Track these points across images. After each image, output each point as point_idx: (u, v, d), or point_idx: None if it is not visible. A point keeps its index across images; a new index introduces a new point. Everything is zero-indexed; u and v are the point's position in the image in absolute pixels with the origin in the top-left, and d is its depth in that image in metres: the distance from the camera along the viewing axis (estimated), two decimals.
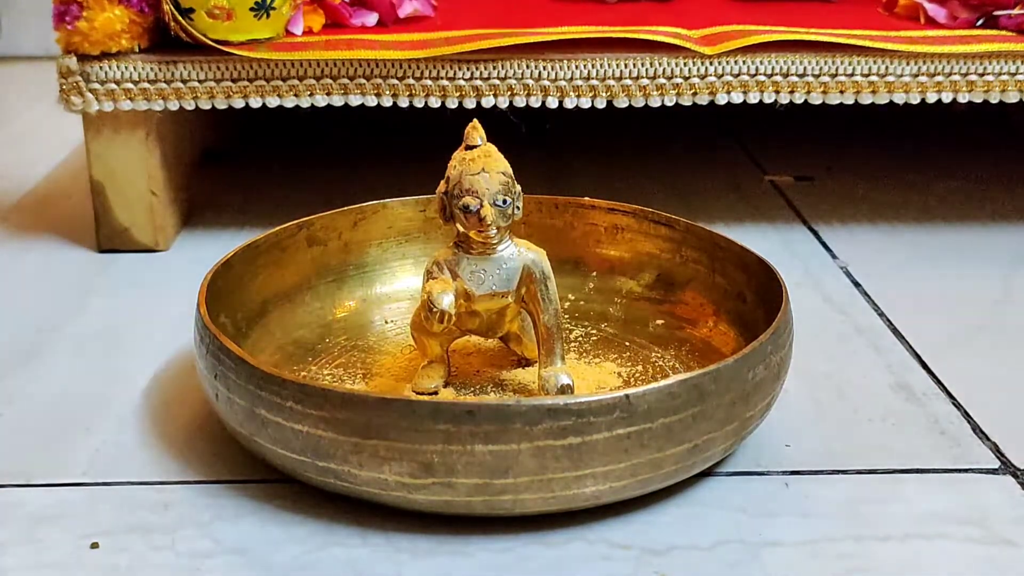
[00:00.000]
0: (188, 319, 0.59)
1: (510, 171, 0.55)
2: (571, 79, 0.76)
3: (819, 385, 0.62)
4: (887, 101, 0.78)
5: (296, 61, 0.75)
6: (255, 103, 0.76)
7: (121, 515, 0.51)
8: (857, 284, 0.76)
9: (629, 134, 1.09)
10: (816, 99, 0.77)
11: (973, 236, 0.84)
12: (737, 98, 0.77)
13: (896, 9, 0.86)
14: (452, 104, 0.77)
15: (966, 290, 0.75)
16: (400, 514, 0.49)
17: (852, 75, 0.77)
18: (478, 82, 0.76)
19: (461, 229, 0.56)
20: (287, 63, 0.75)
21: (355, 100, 0.76)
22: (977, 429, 0.58)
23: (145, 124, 0.78)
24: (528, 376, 0.60)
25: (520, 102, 0.77)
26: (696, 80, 0.76)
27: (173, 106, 0.76)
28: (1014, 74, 0.77)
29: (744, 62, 0.76)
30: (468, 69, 0.76)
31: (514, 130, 0.78)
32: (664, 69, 0.76)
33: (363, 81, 0.76)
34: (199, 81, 0.75)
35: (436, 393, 0.58)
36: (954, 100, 0.78)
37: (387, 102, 0.77)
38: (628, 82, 0.76)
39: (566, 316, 0.66)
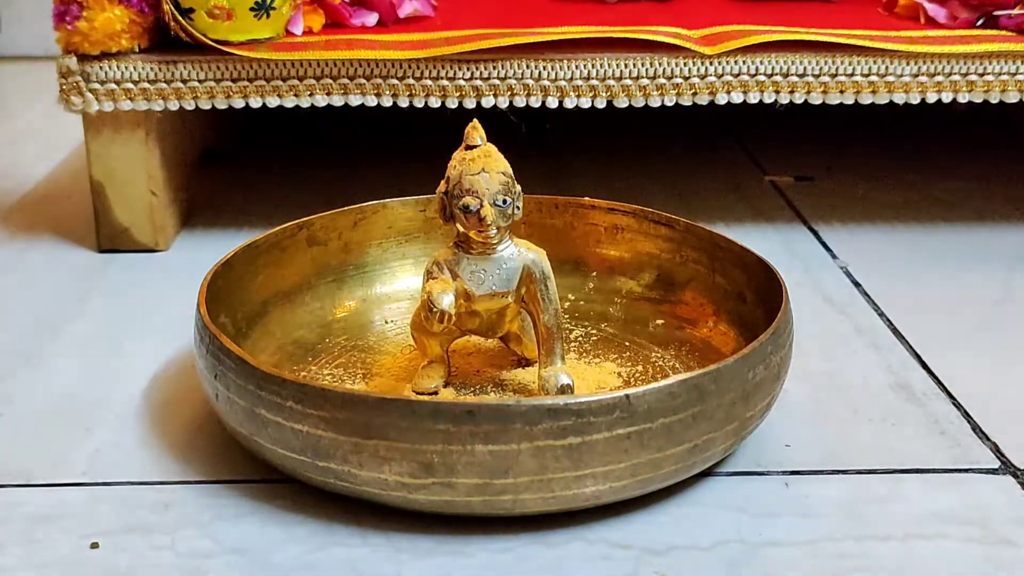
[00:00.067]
0: (188, 319, 0.59)
1: (510, 171, 0.55)
2: (571, 79, 0.76)
3: (819, 385, 0.62)
4: (887, 101, 0.78)
5: (296, 61, 0.75)
6: (255, 103, 0.76)
7: (121, 515, 0.51)
8: (857, 284, 0.76)
9: (629, 134, 1.09)
10: (816, 99, 0.77)
11: (973, 236, 0.84)
12: (737, 98, 0.77)
13: (896, 9, 0.86)
14: (452, 104, 0.77)
15: (966, 290, 0.75)
16: (400, 514, 0.49)
17: (852, 75, 0.77)
18: (478, 82, 0.76)
19: (461, 229, 0.56)
20: (287, 63, 0.75)
21: (355, 100, 0.76)
22: (977, 429, 0.58)
23: (145, 124, 0.78)
24: (528, 376, 0.60)
25: (520, 102, 0.77)
26: (696, 80, 0.76)
27: (173, 106, 0.76)
28: (1014, 74, 0.77)
29: (744, 62, 0.76)
30: (468, 69, 0.76)
31: (514, 130, 0.78)
32: (664, 69, 0.76)
33: (363, 81, 0.76)
34: (199, 81, 0.75)
35: (436, 393, 0.58)
36: (954, 100, 0.78)
37: (387, 102, 0.77)
38: (628, 82, 0.76)
39: (566, 316, 0.66)
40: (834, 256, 0.81)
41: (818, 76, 0.77)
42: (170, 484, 0.53)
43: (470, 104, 0.76)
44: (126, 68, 0.75)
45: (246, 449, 0.54)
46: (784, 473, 0.54)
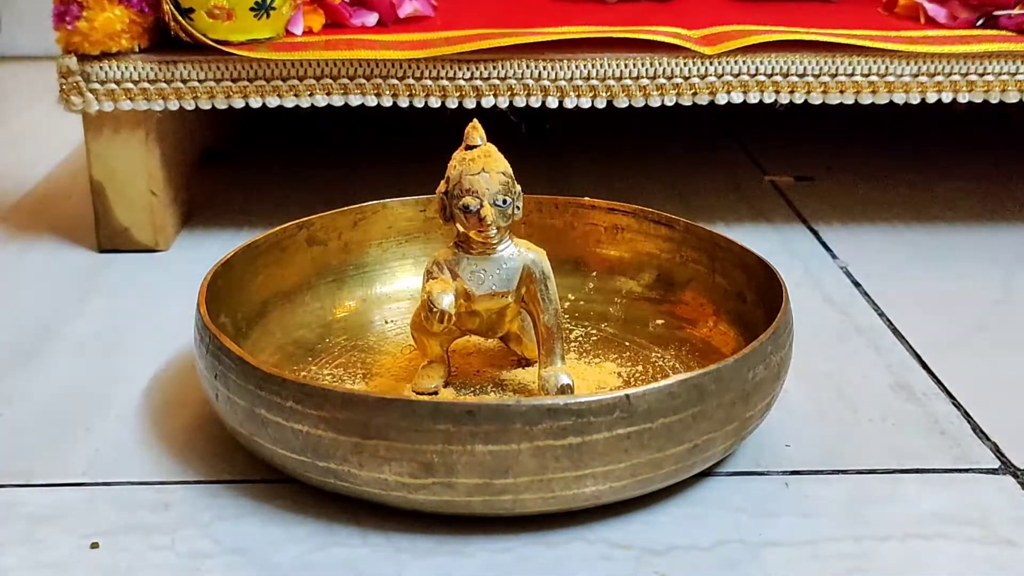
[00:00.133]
0: (188, 319, 0.59)
1: (510, 171, 0.55)
2: (571, 79, 0.76)
3: (819, 385, 0.62)
4: (887, 101, 0.78)
5: (296, 61, 0.75)
6: (255, 103, 0.76)
7: (121, 515, 0.51)
8: (857, 284, 0.76)
9: (629, 134, 1.09)
10: (816, 99, 0.77)
11: (973, 236, 0.84)
12: (737, 98, 0.77)
13: (896, 9, 0.86)
14: (452, 104, 0.77)
15: (966, 290, 0.75)
16: (400, 514, 0.49)
17: (852, 75, 0.77)
18: (478, 82, 0.76)
19: (461, 229, 0.56)
20: (287, 63, 0.75)
21: (355, 100, 0.76)
22: (977, 429, 0.58)
23: (145, 124, 0.78)
24: (528, 376, 0.60)
25: (520, 102, 0.77)
26: (696, 80, 0.76)
27: (173, 106, 0.76)
28: (1014, 74, 0.77)
29: (744, 62, 0.76)
30: (468, 69, 0.76)
31: (514, 130, 0.78)
32: (664, 69, 0.76)
33: (363, 81, 0.76)
34: (199, 81, 0.75)
35: (436, 393, 0.58)
36: (954, 100, 0.78)
37: (387, 102, 0.77)
38: (628, 82, 0.76)
39: (566, 316, 0.66)
40: (834, 256, 0.81)
41: (818, 76, 0.77)
42: (170, 484, 0.53)
43: (470, 104, 0.76)
44: (126, 68, 0.75)
45: (246, 449, 0.54)
46: (784, 473, 0.54)
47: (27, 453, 0.56)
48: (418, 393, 0.57)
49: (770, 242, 0.83)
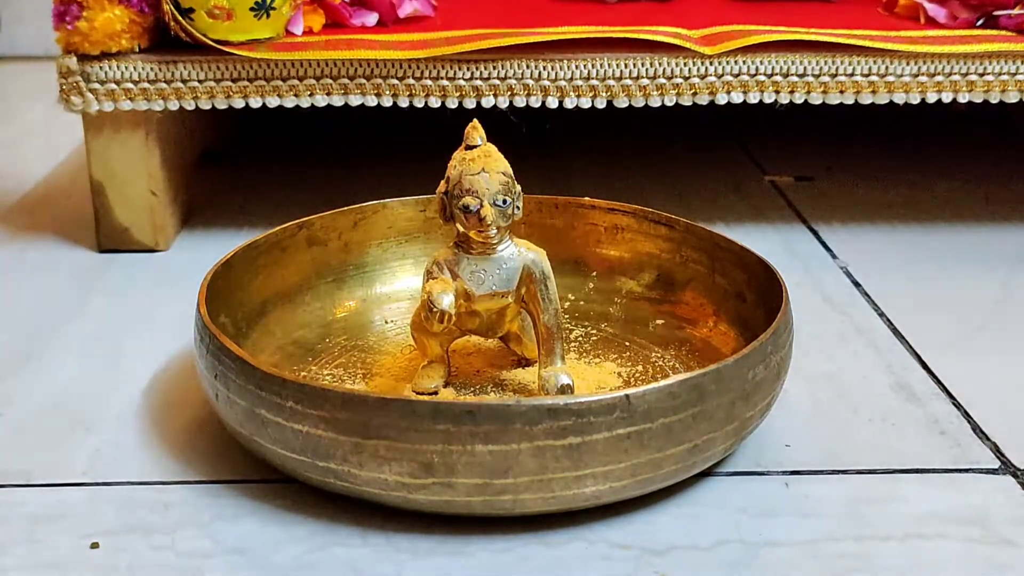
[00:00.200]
0: (188, 319, 0.59)
1: (510, 171, 0.55)
2: (571, 79, 0.76)
3: (819, 385, 0.62)
4: (887, 101, 0.78)
5: (296, 61, 0.75)
6: (255, 103, 0.76)
7: (121, 515, 0.51)
8: (857, 284, 0.76)
9: (629, 134, 1.09)
10: (816, 99, 0.77)
11: (973, 236, 0.84)
12: (737, 98, 0.77)
13: (896, 9, 0.86)
14: (452, 104, 0.77)
15: (966, 290, 0.75)
16: (400, 514, 0.49)
17: (852, 75, 0.77)
18: (478, 82, 0.76)
19: (461, 229, 0.56)
20: (287, 63, 0.75)
21: (355, 100, 0.76)
22: (977, 429, 0.58)
23: (145, 124, 0.78)
24: (528, 376, 0.60)
25: (520, 102, 0.77)
26: (696, 80, 0.76)
27: (173, 106, 0.76)
28: (1014, 74, 0.77)
29: (744, 62, 0.76)
30: (468, 69, 0.76)
31: (514, 130, 0.78)
32: (664, 69, 0.76)
33: (363, 81, 0.76)
34: (199, 81, 0.75)
35: (436, 393, 0.58)
36: (954, 100, 0.78)
37: (387, 102, 0.77)
38: (628, 82, 0.76)
39: (566, 316, 0.66)
40: (834, 256, 0.81)
41: (818, 76, 0.77)
42: (170, 484, 0.53)
43: (470, 104, 0.76)
44: (126, 68, 0.75)
45: (246, 449, 0.54)
46: (784, 473, 0.54)
47: (27, 453, 0.56)
48: (418, 393, 0.57)
49: (770, 242, 0.83)
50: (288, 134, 1.10)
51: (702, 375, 0.49)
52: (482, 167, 0.54)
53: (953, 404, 0.60)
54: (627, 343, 0.64)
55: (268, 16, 0.75)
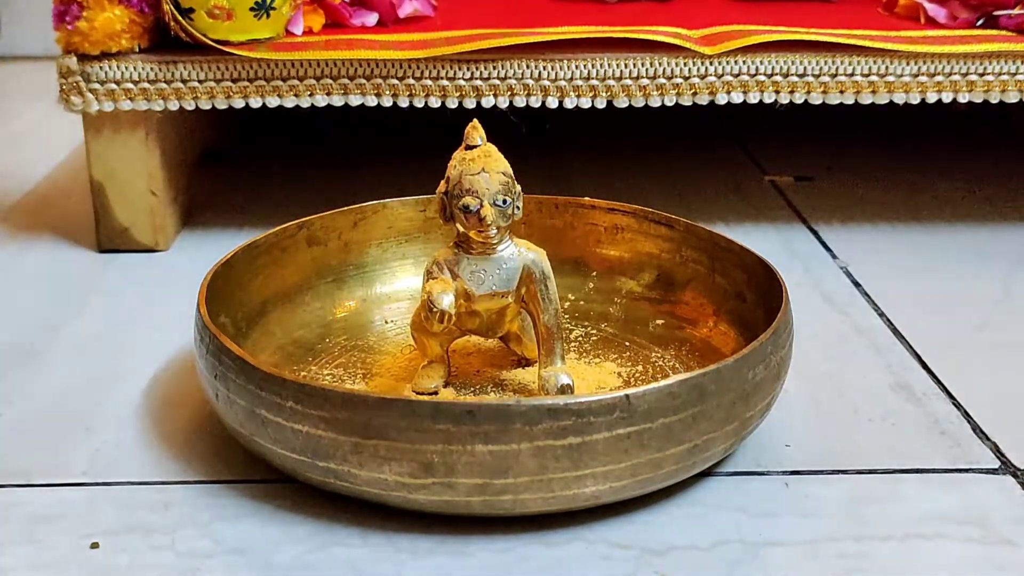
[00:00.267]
0: (188, 319, 0.59)
1: (510, 171, 0.55)
2: (571, 79, 0.76)
3: (819, 385, 0.62)
4: (887, 101, 0.78)
5: (296, 61, 0.75)
6: (255, 103, 0.76)
7: (121, 515, 0.51)
8: (857, 284, 0.76)
9: (629, 134, 1.09)
10: (816, 99, 0.77)
11: (973, 236, 0.84)
12: (737, 98, 0.77)
13: (896, 9, 0.86)
14: (452, 104, 0.77)
15: (966, 290, 0.75)
16: (400, 514, 0.49)
17: (852, 75, 0.77)
18: (478, 82, 0.76)
19: (461, 229, 0.56)
20: (287, 63, 0.75)
21: (355, 100, 0.76)
22: (977, 429, 0.58)
23: (145, 124, 0.78)
24: (528, 376, 0.60)
25: (520, 102, 0.77)
26: (696, 80, 0.76)
27: (173, 106, 0.76)
28: (1014, 74, 0.77)
29: (744, 62, 0.76)
30: (468, 69, 0.76)
31: (514, 130, 0.78)
32: (664, 69, 0.76)
33: (363, 81, 0.76)
34: (199, 81, 0.75)
35: (436, 393, 0.58)
36: (954, 100, 0.78)
37: (387, 102, 0.77)
38: (628, 82, 0.76)
39: (566, 316, 0.66)
40: (834, 256, 0.81)
41: (818, 76, 0.77)
42: (170, 484, 0.53)
43: (470, 104, 0.76)
44: (126, 68, 0.75)
45: (246, 449, 0.54)
46: (784, 473, 0.54)
47: (27, 453, 0.56)
48: (418, 393, 0.57)
49: (770, 242, 0.83)
50: (288, 134, 1.10)
51: (702, 375, 0.49)
52: (482, 167, 0.54)
53: (953, 404, 0.60)
54: (627, 343, 0.64)
55: (268, 16, 0.75)
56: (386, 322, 0.66)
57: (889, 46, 0.76)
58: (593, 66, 0.76)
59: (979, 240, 0.84)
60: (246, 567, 0.47)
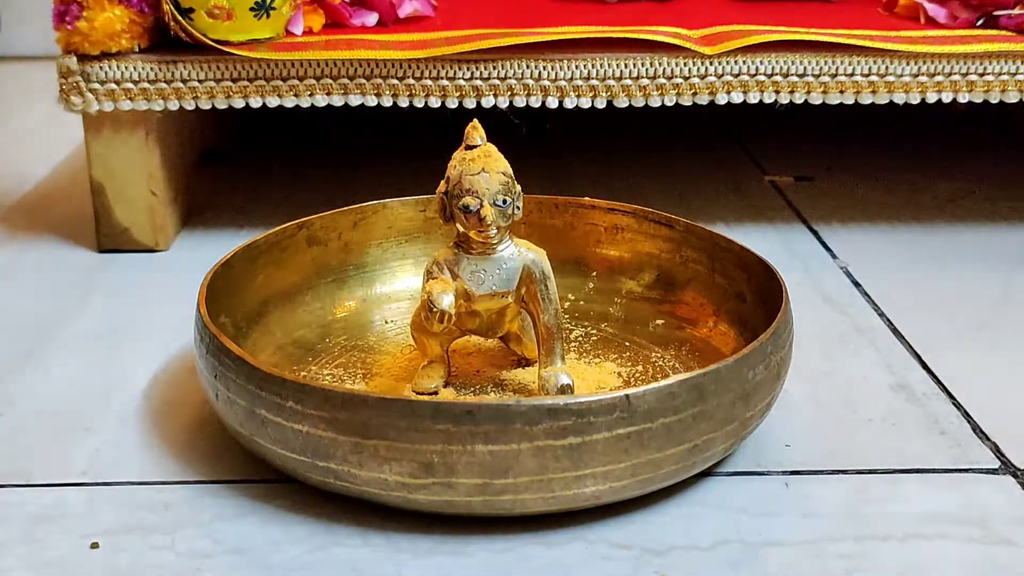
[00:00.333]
0: (188, 319, 0.59)
1: (510, 171, 0.55)
2: (571, 79, 0.76)
3: (819, 385, 0.62)
4: (887, 101, 0.78)
5: (296, 61, 0.75)
6: (255, 103, 0.76)
7: (121, 515, 0.51)
8: (857, 284, 0.76)
9: (629, 134, 1.09)
10: (816, 99, 0.77)
11: (973, 236, 0.84)
12: (737, 98, 0.77)
13: (896, 9, 0.86)
14: (452, 104, 0.77)
15: (966, 290, 0.75)
16: (400, 514, 0.49)
17: (852, 75, 0.77)
18: (478, 82, 0.76)
19: (461, 229, 0.56)
20: (287, 63, 0.75)
21: (355, 100, 0.76)
22: (977, 429, 0.58)
23: (145, 124, 0.78)
24: (528, 376, 0.60)
25: (520, 102, 0.77)
26: (696, 80, 0.76)
27: (173, 106, 0.76)
28: (1014, 74, 0.77)
29: (744, 62, 0.76)
30: (468, 69, 0.76)
31: (514, 130, 0.78)
32: (664, 69, 0.76)
33: (363, 81, 0.76)
34: (199, 81, 0.75)
35: (436, 393, 0.58)
36: (954, 100, 0.78)
37: (387, 102, 0.77)
38: (628, 82, 0.76)
39: (566, 316, 0.66)
40: (834, 256, 0.81)
41: (818, 76, 0.77)
42: (170, 484, 0.53)
43: (470, 104, 0.76)
44: (126, 68, 0.75)
45: (246, 449, 0.54)
46: (784, 473, 0.54)
47: (27, 453, 0.56)
48: (418, 393, 0.57)
49: (770, 242, 0.83)
50: (288, 134, 1.10)
51: (702, 375, 0.49)
52: (482, 167, 0.54)
53: (953, 404, 0.60)
54: (627, 343, 0.64)
55: (268, 16, 0.75)
56: (386, 322, 0.66)
57: (889, 46, 0.76)
58: (593, 66, 0.76)
59: (979, 240, 0.84)
60: (246, 567, 0.47)
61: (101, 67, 0.75)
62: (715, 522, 0.50)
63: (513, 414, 0.46)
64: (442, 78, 0.76)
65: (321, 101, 0.76)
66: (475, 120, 0.56)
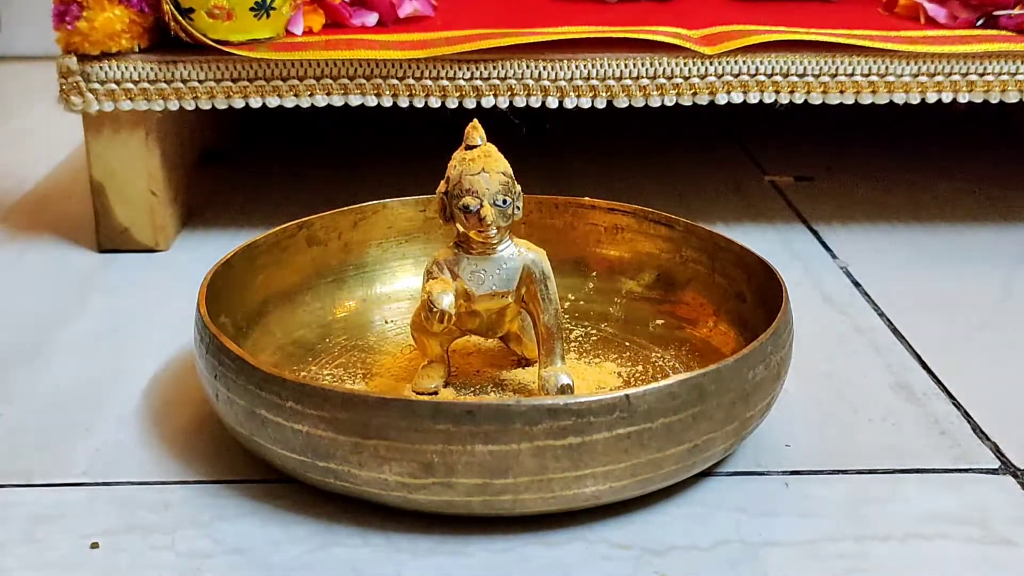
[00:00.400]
0: (188, 319, 0.59)
1: (510, 171, 0.55)
2: (571, 79, 0.76)
3: (819, 385, 0.62)
4: (887, 101, 0.78)
5: (296, 61, 0.75)
6: (255, 103, 0.76)
7: (121, 515, 0.51)
8: (857, 284, 0.76)
9: (629, 134, 1.09)
10: (816, 99, 0.77)
11: (973, 236, 0.84)
12: (737, 98, 0.77)
13: (896, 9, 0.86)
14: (452, 104, 0.77)
15: (966, 290, 0.75)
16: (400, 514, 0.49)
17: (852, 75, 0.77)
18: (478, 82, 0.76)
19: (461, 229, 0.56)
20: (287, 63, 0.75)
21: (355, 100, 0.76)
22: (977, 429, 0.58)
23: (145, 124, 0.78)
24: (528, 376, 0.60)
25: (520, 102, 0.77)
26: (696, 80, 0.76)
27: (173, 106, 0.76)
28: (1014, 74, 0.77)
29: (744, 62, 0.76)
30: (468, 69, 0.76)
31: (514, 130, 0.78)
32: (664, 69, 0.76)
33: (363, 81, 0.76)
34: (199, 81, 0.75)
35: (436, 393, 0.58)
36: (954, 100, 0.78)
37: (387, 102, 0.77)
38: (628, 82, 0.76)
39: (566, 316, 0.66)
40: (834, 256, 0.81)
41: (818, 76, 0.77)
42: (170, 484, 0.53)
43: (470, 104, 0.76)
44: (126, 68, 0.75)
45: (246, 449, 0.54)
46: (784, 473, 0.54)
47: (27, 453, 0.56)
48: (418, 393, 0.57)
49: (770, 242, 0.83)
50: (288, 134, 1.10)
51: (702, 375, 0.49)
52: (482, 167, 0.54)
53: (953, 404, 0.60)
54: (627, 343, 0.64)
55: (268, 16, 0.75)
56: (386, 322, 0.66)
57: (889, 46, 0.76)
58: (593, 66, 0.76)
59: (979, 240, 0.84)
60: (246, 567, 0.47)
61: (101, 67, 0.75)
62: (715, 522, 0.50)
63: (513, 414, 0.46)
64: (442, 78, 0.76)
65: (321, 101, 0.76)
66: (475, 120, 0.56)
